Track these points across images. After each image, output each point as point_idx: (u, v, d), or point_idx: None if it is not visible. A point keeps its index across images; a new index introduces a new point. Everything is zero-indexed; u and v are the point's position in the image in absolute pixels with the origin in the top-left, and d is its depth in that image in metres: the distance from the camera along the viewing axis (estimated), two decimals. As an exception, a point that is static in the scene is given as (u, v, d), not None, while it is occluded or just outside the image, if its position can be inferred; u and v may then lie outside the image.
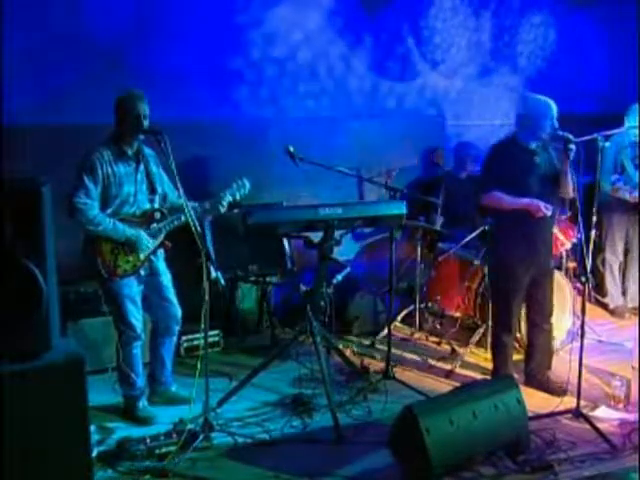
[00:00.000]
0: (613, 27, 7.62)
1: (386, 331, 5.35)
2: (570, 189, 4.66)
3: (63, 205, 4.17)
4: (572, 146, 4.52)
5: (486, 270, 5.51)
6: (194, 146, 5.84)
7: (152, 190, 4.49)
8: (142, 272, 4.47)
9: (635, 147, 6.17)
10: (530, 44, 7.38)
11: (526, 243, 4.76)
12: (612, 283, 6.61)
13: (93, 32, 5.48)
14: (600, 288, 6.72)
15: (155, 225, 4.45)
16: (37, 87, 5.34)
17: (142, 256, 4.41)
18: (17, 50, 5.19)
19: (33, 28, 5.28)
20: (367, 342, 5.91)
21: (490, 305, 5.33)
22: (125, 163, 4.38)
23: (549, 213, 4.67)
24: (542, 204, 4.64)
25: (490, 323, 5.36)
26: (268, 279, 5.97)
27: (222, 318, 5.88)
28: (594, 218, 5.48)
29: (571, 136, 4.55)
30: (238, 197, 4.62)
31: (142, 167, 4.45)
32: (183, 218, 4.40)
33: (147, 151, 4.51)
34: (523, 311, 5.18)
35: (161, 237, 4.48)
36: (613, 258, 6.54)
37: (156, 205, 4.52)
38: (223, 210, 4.58)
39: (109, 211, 4.34)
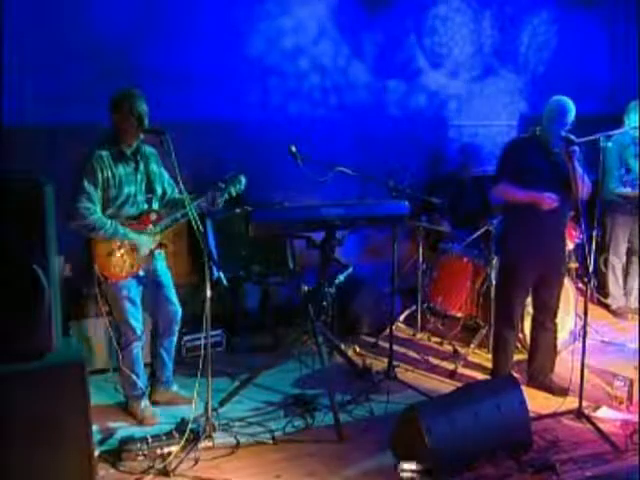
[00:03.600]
0: (615, 27, 7.62)
1: (388, 331, 5.34)
2: (575, 190, 4.62)
3: (63, 206, 4.17)
4: (575, 147, 4.51)
5: (488, 270, 5.53)
6: (196, 146, 5.83)
7: (150, 190, 4.49)
8: (141, 273, 4.47)
9: (636, 145, 6.17)
10: (532, 44, 7.37)
11: (534, 241, 4.76)
12: (615, 284, 6.60)
13: (96, 31, 5.48)
14: (602, 289, 6.72)
15: (151, 226, 4.44)
16: (37, 87, 5.34)
17: (139, 258, 4.41)
18: (17, 50, 5.19)
19: (34, 27, 5.27)
20: (369, 342, 5.91)
21: (494, 302, 5.34)
22: (124, 164, 4.37)
23: (555, 204, 4.65)
24: (547, 195, 4.64)
25: (493, 319, 5.36)
26: (270, 279, 5.97)
27: (224, 318, 5.89)
28: (596, 219, 5.48)
29: (573, 137, 4.54)
30: (234, 193, 4.57)
31: (142, 167, 4.45)
32: (180, 218, 4.39)
33: (148, 149, 4.51)
34: (527, 310, 5.19)
35: (158, 238, 4.48)
36: (616, 259, 6.53)
37: (154, 206, 4.51)
38: (217, 205, 4.54)
39: (109, 212, 4.34)
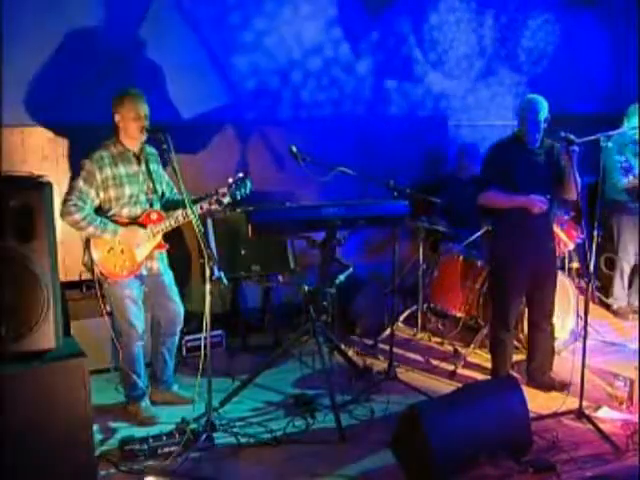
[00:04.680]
0: (615, 27, 7.62)
1: (389, 331, 5.34)
2: (574, 191, 4.63)
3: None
4: (575, 147, 4.50)
5: (489, 270, 5.52)
6: (196, 146, 5.84)
7: (153, 190, 4.49)
8: (144, 272, 4.47)
9: (636, 144, 6.16)
10: (532, 44, 7.37)
11: (524, 243, 4.75)
12: (620, 286, 6.56)
13: (96, 32, 5.49)
14: (604, 289, 6.71)
15: (152, 226, 4.43)
16: (37, 87, 5.34)
17: (139, 257, 4.40)
18: (17, 49, 5.20)
19: (34, 27, 5.28)
20: (370, 342, 5.91)
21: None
22: (127, 164, 4.37)
23: (545, 207, 4.65)
24: (537, 199, 4.62)
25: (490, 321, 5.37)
26: (271, 279, 5.97)
27: (225, 318, 5.89)
28: (597, 218, 5.47)
29: (573, 136, 4.53)
30: (239, 196, 4.51)
31: (144, 167, 4.44)
32: (181, 218, 4.39)
33: (149, 149, 4.51)
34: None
35: (158, 238, 4.47)
36: (625, 262, 6.48)
37: (155, 206, 4.50)
38: (221, 208, 4.50)
39: (112, 212, 4.35)
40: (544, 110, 4.63)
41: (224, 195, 4.42)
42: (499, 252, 4.92)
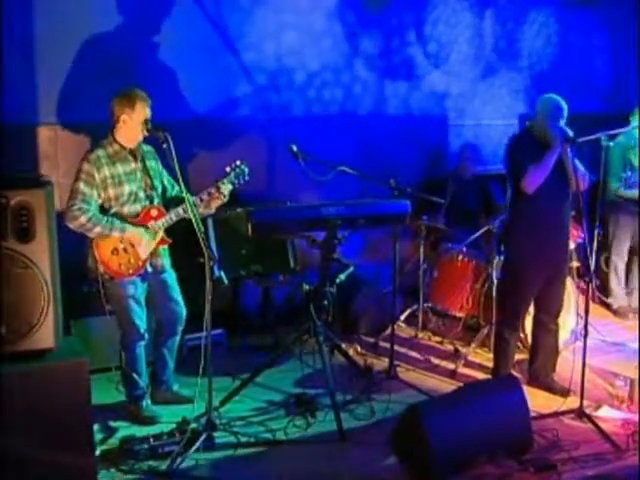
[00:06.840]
0: (615, 27, 7.62)
1: (389, 330, 5.34)
2: (574, 183, 4.60)
3: (63, 206, 4.19)
4: (569, 141, 4.49)
5: (489, 270, 5.52)
6: (195, 146, 5.84)
7: (151, 187, 4.48)
8: (149, 269, 4.45)
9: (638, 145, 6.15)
10: (533, 43, 7.36)
11: (542, 242, 4.73)
12: (616, 283, 6.59)
13: (97, 32, 5.49)
14: (604, 288, 6.71)
15: (153, 222, 4.42)
16: (37, 87, 5.34)
17: (143, 255, 4.40)
18: (17, 49, 5.20)
19: (35, 28, 5.28)
20: (370, 342, 5.90)
21: (495, 302, 5.33)
22: (123, 162, 4.36)
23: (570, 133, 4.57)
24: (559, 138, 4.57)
25: (494, 320, 5.35)
26: (271, 278, 5.97)
27: (225, 317, 5.88)
28: (598, 217, 5.48)
29: (572, 133, 4.51)
30: (237, 182, 4.48)
31: (141, 164, 4.44)
32: (181, 212, 4.38)
33: (145, 147, 4.50)
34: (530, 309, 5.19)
35: (160, 234, 4.46)
36: (618, 259, 6.52)
37: (155, 202, 4.49)
38: (225, 199, 4.48)
39: (113, 212, 4.33)
40: (566, 108, 4.63)
41: (223, 183, 4.44)
42: (515, 251, 4.89)
